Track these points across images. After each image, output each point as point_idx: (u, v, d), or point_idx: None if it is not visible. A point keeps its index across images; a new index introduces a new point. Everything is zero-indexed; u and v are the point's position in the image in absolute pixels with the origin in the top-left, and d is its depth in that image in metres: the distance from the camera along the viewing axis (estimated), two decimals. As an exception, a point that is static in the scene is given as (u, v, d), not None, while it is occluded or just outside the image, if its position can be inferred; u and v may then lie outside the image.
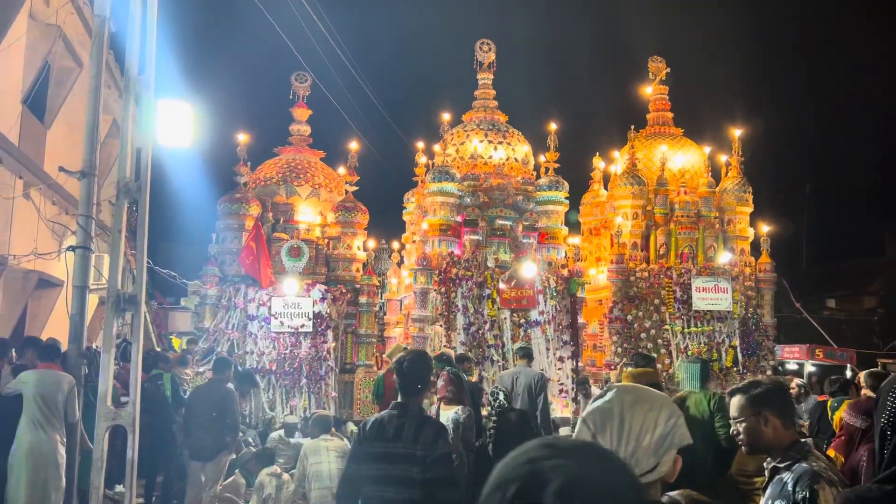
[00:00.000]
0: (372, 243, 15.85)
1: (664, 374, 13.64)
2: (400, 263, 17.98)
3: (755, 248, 16.78)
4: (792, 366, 20.17)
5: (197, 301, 13.99)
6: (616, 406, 1.86)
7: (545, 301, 14.55)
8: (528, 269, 14.33)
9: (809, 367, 19.33)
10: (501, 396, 8.28)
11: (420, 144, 17.31)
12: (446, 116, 15.67)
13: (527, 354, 9.75)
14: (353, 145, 15.12)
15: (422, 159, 17.09)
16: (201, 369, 12.72)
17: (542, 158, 16.16)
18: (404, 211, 17.40)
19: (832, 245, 39.83)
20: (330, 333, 13.71)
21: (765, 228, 16.47)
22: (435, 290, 14.08)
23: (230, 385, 8.93)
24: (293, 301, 13.58)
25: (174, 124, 6.46)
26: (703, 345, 15.21)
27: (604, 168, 18.45)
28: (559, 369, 14.27)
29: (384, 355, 14.45)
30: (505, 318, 14.31)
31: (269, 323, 13.52)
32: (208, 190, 15.98)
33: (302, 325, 13.57)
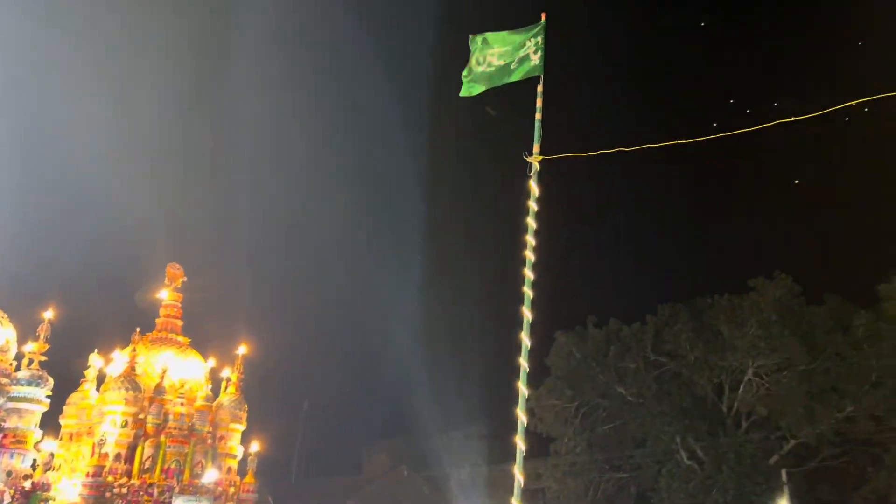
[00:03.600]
0: None
1: None
2: None
3: (244, 465, 16.93)
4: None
5: None
6: None
7: (-8, 521, 12.16)
8: (-23, 480, 11.96)
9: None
10: None
11: None
12: None
13: None
14: None
15: None
16: None
17: (27, 348, 14.35)
18: None
19: (321, 462, 42.66)
20: None
21: (254, 447, 16.83)
22: None
23: None
24: None
25: None
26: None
27: (100, 367, 17.10)
28: None
29: None
30: (-72, 543, 11.43)
31: None
32: None
33: None
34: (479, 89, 9.78)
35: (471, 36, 9.91)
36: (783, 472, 23.35)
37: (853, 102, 7.95)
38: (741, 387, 24.50)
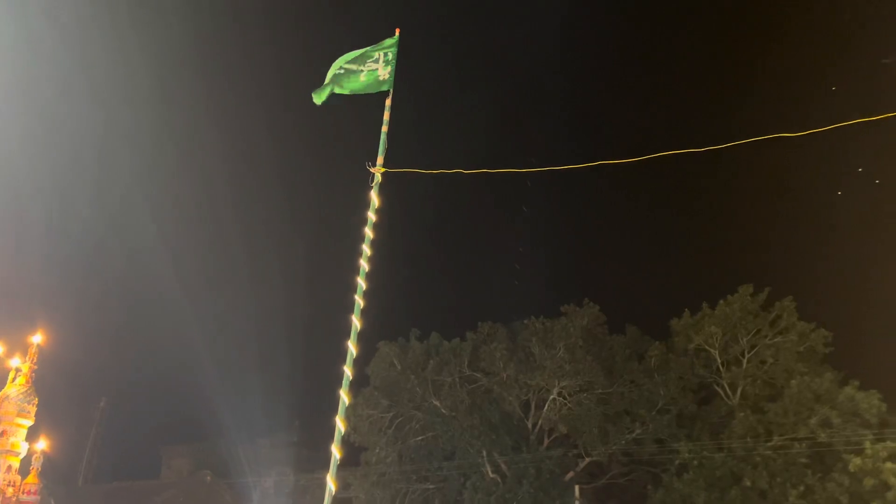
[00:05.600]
0: None
1: None
2: None
3: (28, 464, 15.45)
4: None
5: None
6: None
7: None
8: None
9: None
10: None
11: None
12: None
13: None
14: None
15: None
16: None
17: None
18: None
19: (115, 464, 39.77)
20: None
21: (40, 445, 15.40)
22: None
23: None
24: None
25: None
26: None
27: None
28: None
29: None
30: None
31: None
32: None
33: None
34: (327, 93, 9.84)
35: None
36: (576, 488, 25.01)
37: (680, 152, 8.83)
38: (546, 405, 25.98)
